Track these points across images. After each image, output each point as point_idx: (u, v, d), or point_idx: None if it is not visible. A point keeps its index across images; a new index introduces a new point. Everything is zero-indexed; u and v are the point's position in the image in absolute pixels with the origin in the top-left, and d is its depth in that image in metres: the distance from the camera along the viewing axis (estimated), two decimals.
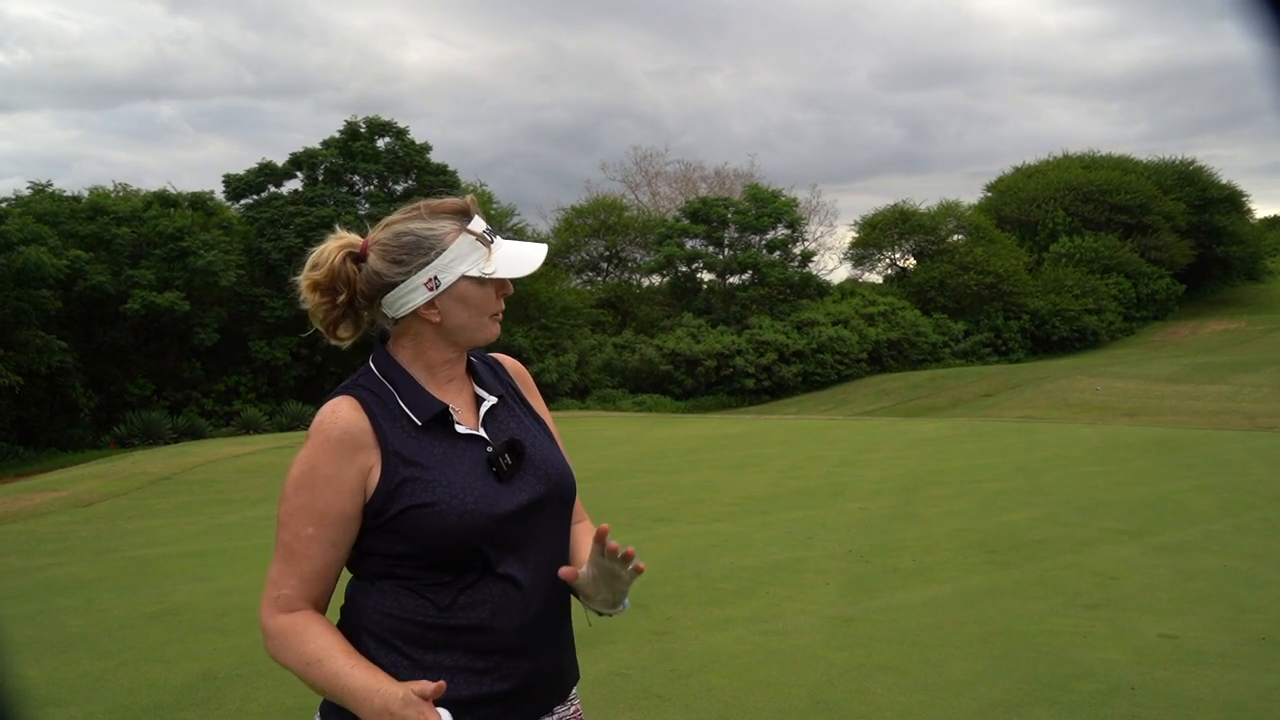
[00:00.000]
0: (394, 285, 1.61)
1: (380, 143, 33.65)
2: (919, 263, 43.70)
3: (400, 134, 33.76)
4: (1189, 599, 5.57)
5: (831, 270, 52.43)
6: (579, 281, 42.11)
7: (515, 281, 1.68)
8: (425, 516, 1.53)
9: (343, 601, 1.66)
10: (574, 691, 1.74)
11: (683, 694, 4.17)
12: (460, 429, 1.62)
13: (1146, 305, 44.09)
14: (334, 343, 1.69)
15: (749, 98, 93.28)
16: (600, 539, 1.57)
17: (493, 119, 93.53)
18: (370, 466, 1.55)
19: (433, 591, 1.56)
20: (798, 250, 39.91)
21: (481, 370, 1.74)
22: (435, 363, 1.66)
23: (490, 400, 1.69)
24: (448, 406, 1.62)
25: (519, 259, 1.65)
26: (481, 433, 1.64)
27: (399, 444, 1.57)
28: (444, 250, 1.60)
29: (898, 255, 45.79)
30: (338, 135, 33.46)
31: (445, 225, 1.62)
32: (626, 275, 42.98)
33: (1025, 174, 50.21)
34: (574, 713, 1.72)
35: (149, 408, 26.94)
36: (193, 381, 29.10)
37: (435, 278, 1.60)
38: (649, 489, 10.16)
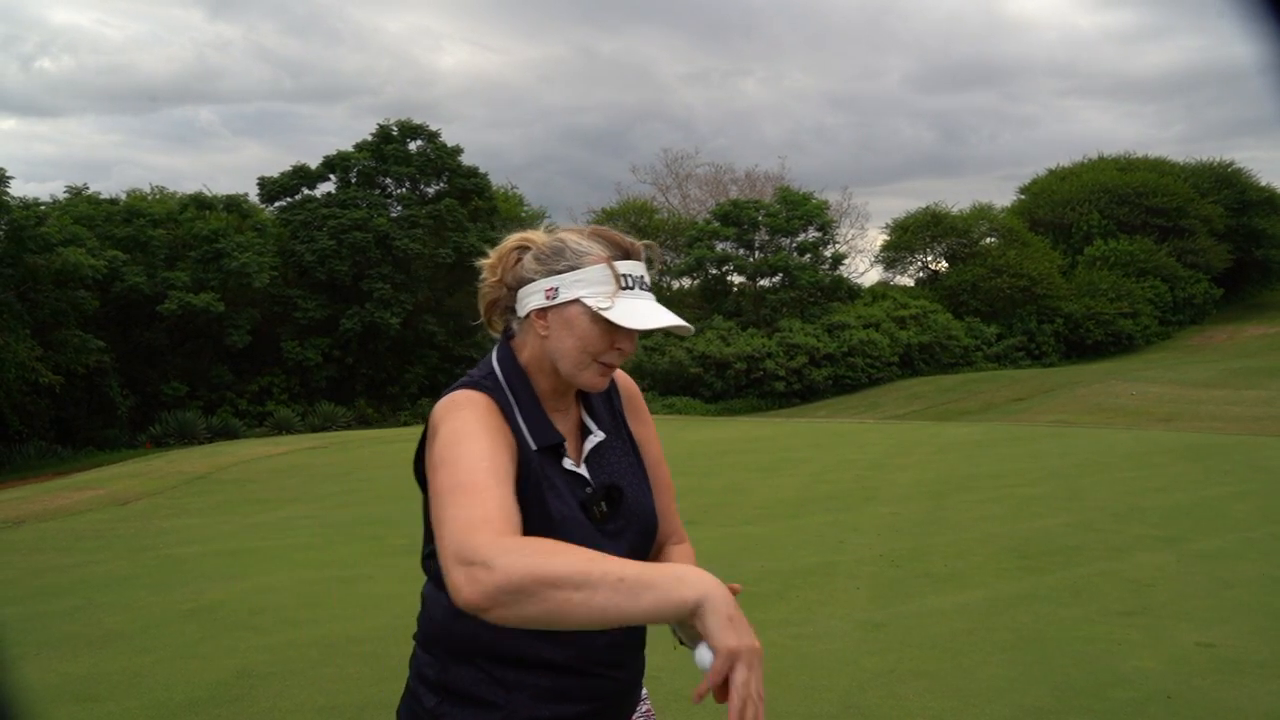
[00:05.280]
0: (529, 282, 1.60)
1: (412, 146, 33.94)
2: (951, 266, 43.29)
3: (432, 137, 34.03)
4: (1226, 607, 5.48)
5: (862, 273, 52.29)
6: None
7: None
8: (545, 532, 1.46)
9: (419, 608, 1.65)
10: (643, 690, 1.77)
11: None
12: (567, 464, 1.60)
13: (1183, 309, 43.36)
14: (491, 332, 1.70)
15: (781, 101, 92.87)
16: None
17: (526, 122, 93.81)
18: (514, 448, 1.51)
19: None
20: (828, 253, 39.66)
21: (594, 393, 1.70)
22: (543, 387, 1.63)
23: (597, 437, 1.67)
24: (563, 440, 1.60)
25: (640, 312, 1.56)
26: (583, 470, 1.62)
27: (525, 452, 1.55)
28: (578, 268, 1.57)
29: (929, 258, 45.45)
30: (370, 138, 33.80)
31: (595, 250, 1.59)
32: (656, 277, 42.89)
33: (1059, 176, 49.52)
34: (645, 711, 1.75)
35: (184, 408, 27.34)
36: (226, 382, 29.48)
37: (555, 288, 1.57)
38: (679, 492, 9.96)
